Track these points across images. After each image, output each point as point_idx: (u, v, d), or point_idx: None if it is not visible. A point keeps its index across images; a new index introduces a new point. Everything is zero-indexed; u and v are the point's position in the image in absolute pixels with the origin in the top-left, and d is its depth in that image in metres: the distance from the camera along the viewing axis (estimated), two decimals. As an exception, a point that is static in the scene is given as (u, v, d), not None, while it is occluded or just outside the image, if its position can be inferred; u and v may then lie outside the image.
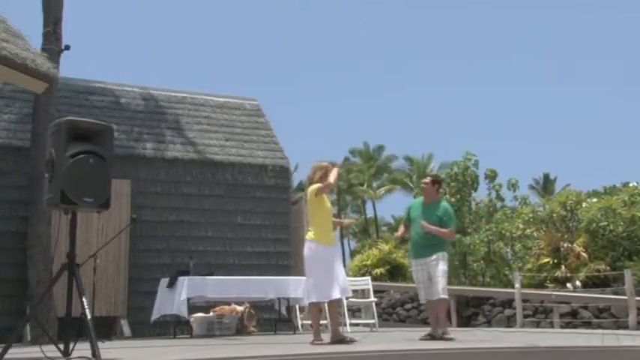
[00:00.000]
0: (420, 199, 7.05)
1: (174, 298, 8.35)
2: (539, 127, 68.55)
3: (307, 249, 6.11)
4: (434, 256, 6.56)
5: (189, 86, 26.92)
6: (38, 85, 7.12)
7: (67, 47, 9.21)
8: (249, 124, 11.88)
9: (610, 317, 12.09)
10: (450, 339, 6.30)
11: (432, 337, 6.50)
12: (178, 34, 79.35)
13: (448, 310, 13.54)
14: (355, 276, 16.25)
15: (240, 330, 9.30)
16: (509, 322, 13.17)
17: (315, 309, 6.22)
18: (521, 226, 16.49)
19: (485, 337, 7.04)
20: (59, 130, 4.55)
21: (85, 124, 4.76)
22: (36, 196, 8.28)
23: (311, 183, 6.24)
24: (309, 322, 10.64)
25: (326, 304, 6.25)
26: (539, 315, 12.93)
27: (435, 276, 6.51)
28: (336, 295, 5.96)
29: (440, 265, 6.53)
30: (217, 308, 9.53)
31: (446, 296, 6.56)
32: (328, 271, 5.98)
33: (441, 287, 6.48)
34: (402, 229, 7.06)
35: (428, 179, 6.99)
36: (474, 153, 16.85)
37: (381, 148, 41.44)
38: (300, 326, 9.88)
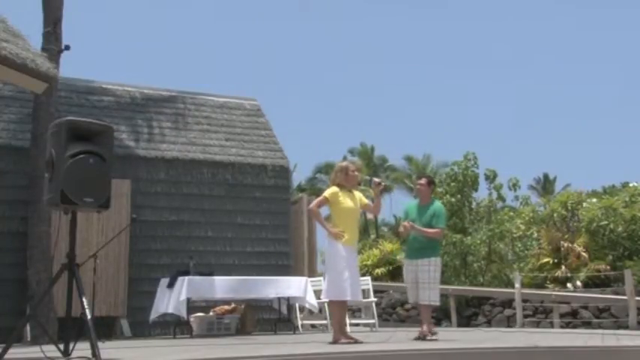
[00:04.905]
0: (416, 201, 7.14)
1: (173, 298, 8.36)
2: (539, 127, 68.57)
3: (327, 246, 6.14)
4: (425, 261, 6.61)
5: (190, 86, 26.93)
6: (38, 85, 7.13)
7: (67, 47, 9.20)
8: (249, 124, 11.88)
9: (610, 317, 12.10)
10: (434, 340, 6.34)
11: (424, 336, 6.54)
12: (178, 33, 79.36)
13: (448, 311, 13.66)
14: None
15: (240, 330, 9.30)
16: (509, 322, 13.18)
17: (335, 307, 6.14)
18: (522, 226, 16.48)
19: (485, 337, 7.04)
20: (59, 130, 4.55)
21: (85, 124, 4.76)
22: (36, 196, 8.27)
23: (332, 185, 6.24)
24: (309, 321, 10.70)
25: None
26: (539, 315, 12.94)
27: (426, 281, 6.58)
28: (344, 296, 5.94)
29: (431, 272, 6.61)
30: (217, 308, 9.54)
31: (434, 303, 6.64)
32: (341, 271, 5.95)
33: (431, 293, 6.58)
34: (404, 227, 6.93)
35: (424, 180, 7.02)
36: (473, 152, 16.84)
37: (376, 149, 41.44)
38: (300, 326, 9.88)
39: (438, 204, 6.99)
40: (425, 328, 6.60)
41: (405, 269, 6.84)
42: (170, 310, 8.39)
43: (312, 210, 6.32)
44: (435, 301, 6.63)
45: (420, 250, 6.66)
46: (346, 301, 6.11)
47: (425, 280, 6.58)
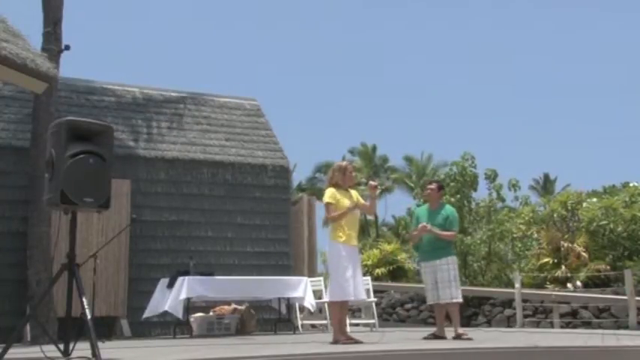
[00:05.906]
0: (425, 205, 7.21)
1: (172, 297, 8.35)
2: (539, 127, 68.58)
3: (327, 247, 6.17)
4: (443, 260, 6.70)
5: (189, 86, 26.90)
6: (38, 85, 7.13)
7: (67, 47, 9.20)
8: (249, 124, 11.88)
9: (610, 317, 12.09)
10: (469, 339, 6.35)
11: (435, 336, 6.63)
12: (178, 33, 79.36)
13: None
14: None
15: (240, 330, 9.30)
16: (509, 322, 13.17)
17: (335, 307, 6.11)
18: (522, 227, 16.50)
19: (485, 337, 7.05)
20: (59, 130, 4.55)
21: (85, 124, 4.76)
22: (36, 196, 8.27)
23: (329, 184, 6.22)
24: (309, 321, 10.70)
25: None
26: (539, 315, 12.92)
27: (447, 280, 6.66)
28: (347, 296, 5.91)
29: (451, 270, 6.68)
30: (217, 308, 9.54)
31: (456, 300, 6.68)
32: (343, 272, 5.90)
33: (453, 290, 6.63)
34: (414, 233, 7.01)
35: (434, 185, 7.12)
36: (471, 152, 16.91)
37: (378, 148, 41.38)
38: (300, 326, 9.88)
39: (450, 208, 7.09)
40: (459, 329, 6.64)
41: (423, 271, 6.93)
42: (166, 309, 8.37)
43: (333, 219, 6.04)
44: (458, 297, 6.69)
45: (437, 250, 6.75)
46: (347, 301, 6.11)
47: (445, 279, 6.66)
